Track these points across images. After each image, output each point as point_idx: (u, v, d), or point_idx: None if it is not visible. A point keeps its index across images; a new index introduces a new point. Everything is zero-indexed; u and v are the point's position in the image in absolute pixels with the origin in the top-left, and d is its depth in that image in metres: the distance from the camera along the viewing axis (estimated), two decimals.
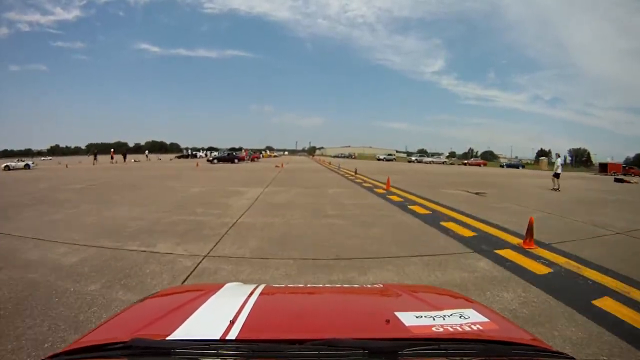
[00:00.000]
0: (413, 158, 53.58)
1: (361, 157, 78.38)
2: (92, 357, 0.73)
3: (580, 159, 77.35)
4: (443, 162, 49.99)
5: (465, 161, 51.67)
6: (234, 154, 35.80)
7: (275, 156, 68.20)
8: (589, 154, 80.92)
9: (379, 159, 53.59)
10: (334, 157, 74.17)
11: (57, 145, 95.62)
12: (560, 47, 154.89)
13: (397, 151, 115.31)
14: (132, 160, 38.45)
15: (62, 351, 0.76)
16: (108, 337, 0.79)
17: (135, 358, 0.70)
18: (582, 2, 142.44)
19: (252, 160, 40.51)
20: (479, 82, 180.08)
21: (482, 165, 45.76)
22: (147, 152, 55.45)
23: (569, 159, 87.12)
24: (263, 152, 70.10)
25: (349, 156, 76.42)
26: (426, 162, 49.19)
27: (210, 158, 33.55)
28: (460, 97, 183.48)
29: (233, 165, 29.23)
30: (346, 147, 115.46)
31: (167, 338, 0.76)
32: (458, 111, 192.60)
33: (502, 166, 44.34)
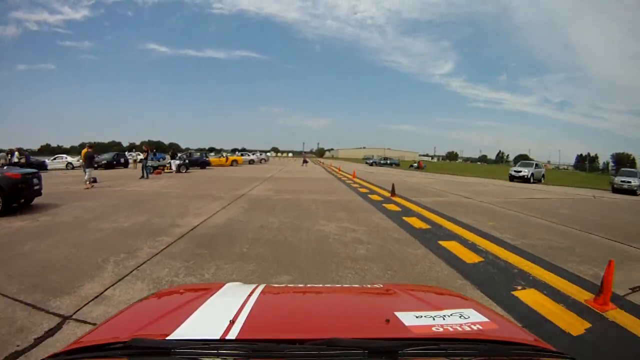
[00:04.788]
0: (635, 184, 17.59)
1: (435, 166, 46.34)
2: (92, 357, 0.72)
3: (624, 165, 67.77)
4: None
5: None
6: None
7: (253, 161, 35.49)
8: (634, 159, 69.74)
9: (516, 176, 22.06)
10: (370, 163, 45.30)
11: (48, 145, 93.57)
12: (569, 50, 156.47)
13: (419, 155, 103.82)
14: None
15: (62, 351, 0.76)
16: (108, 337, 0.79)
17: (135, 358, 0.70)
18: (591, 5, 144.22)
19: None
20: (487, 84, 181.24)
21: None
22: None
23: (611, 164, 75.97)
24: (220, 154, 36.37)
25: (391, 163, 45.34)
26: None
27: None
28: (468, 99, 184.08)
29: None
30: (360, 148, 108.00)
31: (167, 338, 0.76)
32: (466, 114, 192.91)
33: None
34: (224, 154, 33.83)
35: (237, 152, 45.86)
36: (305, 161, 37.43)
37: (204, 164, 24.96)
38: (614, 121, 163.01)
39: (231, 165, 29.95)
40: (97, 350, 0.73)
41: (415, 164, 41.59)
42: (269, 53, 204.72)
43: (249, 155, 39.53)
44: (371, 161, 46.56)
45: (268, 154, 62.22)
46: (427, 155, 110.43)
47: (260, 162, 38.33)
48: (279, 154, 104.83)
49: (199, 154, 27.53)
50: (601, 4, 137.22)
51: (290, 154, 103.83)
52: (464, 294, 1.78)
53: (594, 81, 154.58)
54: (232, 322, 0.83)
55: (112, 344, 0.73)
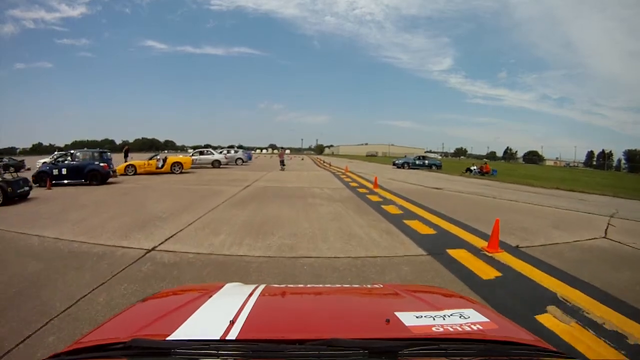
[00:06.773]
0: None
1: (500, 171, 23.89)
2: (92, 357, 0.73)
3: (637, 162, 63.12)
4: None
5: None
6: None
7: (219, 164, 21.46)
8: None
9: None
10: (400, 164, 27.85)
11: (40, 144, 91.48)
12: (569, 47, 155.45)
13: (425, 151, 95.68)
14: None
15: (62, 351, 0.76)
16: (108, 338, 0.79)
17: (135, 358, 0.69)
18: (592, 1, 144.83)
19: None
20: (486, 81, 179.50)
21: None
22: None
23: (624, 162, 73.82)
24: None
25: (430, 164, 27.06)
26: None
27: None
28: (467, 95, 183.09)
29: None
30: (362, 144, 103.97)
31: (167, 338, 0.76)
32: (465, 110, 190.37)
33: None
34: (159, 156, 18.22)
35: (209, 149, 27.31)
36: (282, 162, 22.78)
37: (96, 177, 11.65)
38: (612, 118, 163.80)
39: (171, 172, 16.75)
40: (97, 350, 0.73)
41: (475, 167, 24.32)
42: (268, 50, 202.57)
43: (212, 153, 22.97)
44: (401, 162, 29.66)
45: (259, 151, 44.55)
46: (431, 152, 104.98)
47: (236, 163, 24.82)
48: (275, 151, 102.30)
49: (88, 155, 12.47)
50: (601, 1, 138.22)
51: (287, 151, 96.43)
52: None
53: (594, 78, 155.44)
54: (232, 322, 0.82)
55: (112, 344, 0.73)
